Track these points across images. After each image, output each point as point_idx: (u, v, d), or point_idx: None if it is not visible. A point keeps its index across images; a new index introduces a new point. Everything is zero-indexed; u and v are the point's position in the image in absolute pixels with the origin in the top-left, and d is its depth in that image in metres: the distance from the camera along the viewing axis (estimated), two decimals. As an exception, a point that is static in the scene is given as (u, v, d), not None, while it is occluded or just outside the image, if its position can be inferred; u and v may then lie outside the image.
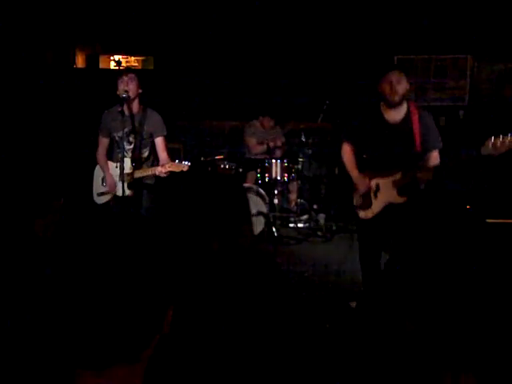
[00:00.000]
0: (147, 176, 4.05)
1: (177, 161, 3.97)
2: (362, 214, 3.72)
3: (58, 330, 0.90)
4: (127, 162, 3.97)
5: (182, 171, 3.89)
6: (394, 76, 3.49)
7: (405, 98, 3.54)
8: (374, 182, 3.66)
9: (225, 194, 1.73)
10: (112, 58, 7.71)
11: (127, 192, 3.92)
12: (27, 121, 6.23)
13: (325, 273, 4.71)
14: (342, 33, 7.16)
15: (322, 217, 6.44)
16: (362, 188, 3.68)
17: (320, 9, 7.10)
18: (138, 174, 4.03)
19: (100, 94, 4.23)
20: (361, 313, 3.50)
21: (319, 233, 6.18)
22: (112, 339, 0.89)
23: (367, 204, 3.68)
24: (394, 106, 3.54)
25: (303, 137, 6.39)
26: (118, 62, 7.76)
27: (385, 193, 3.60)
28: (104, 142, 4.20)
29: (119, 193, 4.00)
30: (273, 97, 6.72)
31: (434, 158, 3.59)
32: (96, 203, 4.28)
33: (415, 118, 3.55)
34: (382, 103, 3.61)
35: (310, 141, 6.43)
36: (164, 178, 3.95)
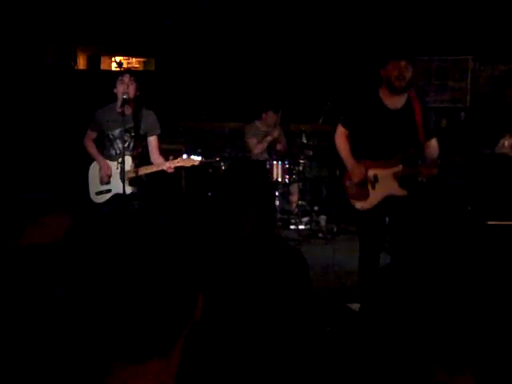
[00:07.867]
0: (150, 172, 4.07)
1: (184, 155, 4.01)
2: (358, 204, 3.56)
3: (92, 324, 0.89)
4: (128, 160, 3.99)
5: (193, 165, 3.94)
6: (403, 62, 3.36)
7: (410, 86, 3.41)
8: (371, 173, 3.50)
9: (254, 181, 1.74)
10: (113, 59, 7.72)
11: (129, 189, 3.96)
12: (28, 122, 6.23)
13: (325, 274, 4.70)
14: (343, 34, 7.16)
15: (322, 218, 6.44)
16: (356, 178, 3.51)
17: (321, 10, 7.10)
18: (144, 170, 4.05)
19: (101, 95, 4.23)
20: (361, 312, 3.49)
21: (320, 234, 6.17)
22: (145, 331, 0.89)
23: (364, 195, 3.52)
24: (399, 92, 3.41)
25: (304, 138, 6.38)
26: (120, 64, 7.77)
27: (384, 184, 3.47)
28: (93, 134, 4.24)
29: (119, 190, 4.03)
30: (274, 98, 6.71)
31: (434, 146, 3.51)
32: (94, 202, 4.25)
33: (416, 104, 3.43)
34: (381, 89, 3.47)
35: (311, 142, 6.43)
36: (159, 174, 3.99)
